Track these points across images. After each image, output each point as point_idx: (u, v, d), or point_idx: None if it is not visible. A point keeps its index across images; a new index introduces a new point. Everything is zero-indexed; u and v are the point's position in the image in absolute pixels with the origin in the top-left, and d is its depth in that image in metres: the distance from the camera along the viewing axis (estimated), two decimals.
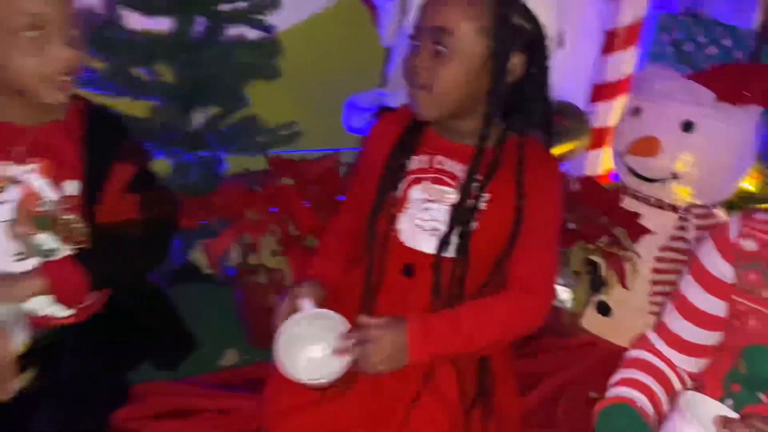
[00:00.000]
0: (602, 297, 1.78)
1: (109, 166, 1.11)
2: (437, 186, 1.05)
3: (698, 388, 0.96)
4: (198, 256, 1.51)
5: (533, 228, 1.03)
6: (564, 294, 1.76)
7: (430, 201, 1.05)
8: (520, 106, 1.03)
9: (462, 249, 1.02)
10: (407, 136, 1.07)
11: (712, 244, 0.91)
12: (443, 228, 1.03)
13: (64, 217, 1.08)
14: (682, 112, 1.64)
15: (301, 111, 1.94)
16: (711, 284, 0.91)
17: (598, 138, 2.16)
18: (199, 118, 1.75)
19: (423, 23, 0.98)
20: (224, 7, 1.69)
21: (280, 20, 1.76)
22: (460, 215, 1.02)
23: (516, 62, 0.99)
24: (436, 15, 0.96)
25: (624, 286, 1.66)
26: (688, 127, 1.64)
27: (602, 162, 2.19)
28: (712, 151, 1.64)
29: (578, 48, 2.62)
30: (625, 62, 2.10)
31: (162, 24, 1.68)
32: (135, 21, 1.70)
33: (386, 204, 1.06)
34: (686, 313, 0.94)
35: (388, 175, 1.06)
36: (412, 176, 1.06)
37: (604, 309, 1.80)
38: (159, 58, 1.66)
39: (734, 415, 0.76)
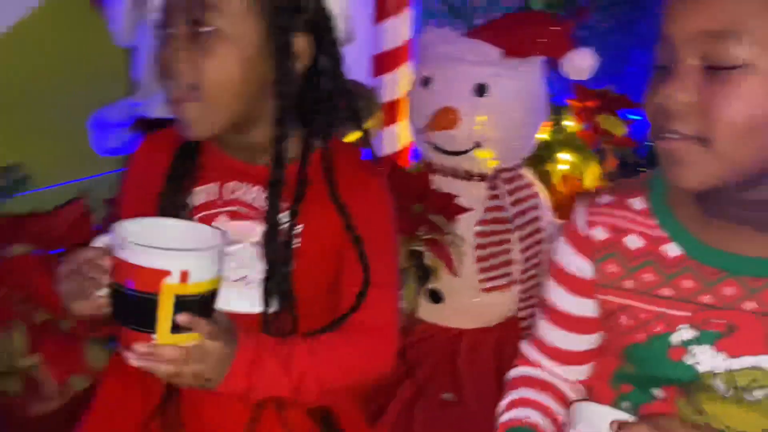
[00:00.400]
0: (432, 285, 1.67)
1: None
2: (236, 222, 0.82)
3: (589, 394, 0.89)
4: None
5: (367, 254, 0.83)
6: None
7: (229, 245, 0.80)
8: (316, 103, 0.83)
9: (285, 297, 0.81)
10: (181, 162, 0.83)
11: (564, 242, 0.82)
12: (254, 275, 0.81)
13: None
14: (472, 75, 1.56)
15: (26, 146, 1.52)
16: (574, 284, 0.82)
17: (390, 113, 2.02)
18: None
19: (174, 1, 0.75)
20: None
21: None
22: (273, 255, 0.80)
23: (301, 45, 0.80)
24: None
25: (453, 273, 1.55)
26: (481, 90, 1.56)
27: (399, 137, 2.06)
28: (509, 110, 1.59)
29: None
30: (401, 26, 1.98)
31: None
32: None
33: None
34: (558, 321, 0.85)
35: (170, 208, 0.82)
36: (200, 214, 0.83)
37: (436, 296, 1.70)
38: None
39: (628, 416, 0.69)
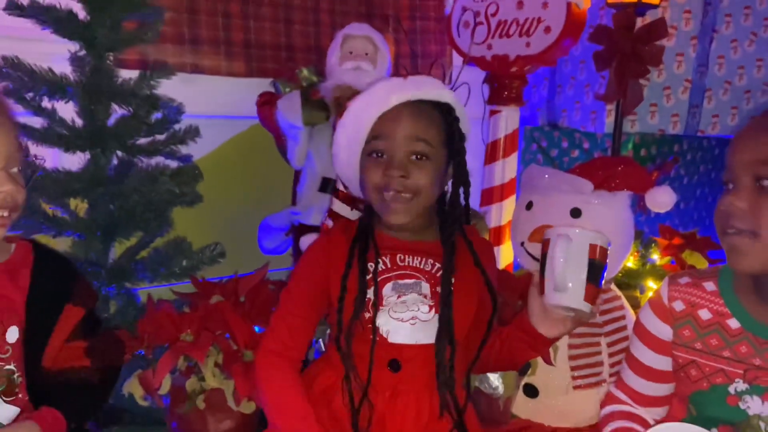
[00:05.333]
0: (528, 380, 1.88)
1: (57, 309, 1.09)
2: (406, 281, 1.14)
3: None
4: (133, 388, 1.44)
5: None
6: (495, 381, 1.83)
7: (404, 295, 1.12)
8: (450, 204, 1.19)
9: (450, 332, 1.10)
10: (362, 245, 1.15)
11: (650, 311, 1.07)
12: (422, 317, 1.11)
13: (6, 367, 1.04)
14: (568, 201, 1.84)
15: (220, 234, 1.98)
16: (655, 344, 1.05)
17: (495, 236, 2.37)
18: (119, 248, 1.74)
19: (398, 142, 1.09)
20: (141, 141, 1.75)
21: (196, 149, 1.85)
22: (445, 301, 1.10)
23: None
24: (414, 128, 1.10)
25: (549, 363, 1.77)
26: (576, 213, 1.86)
27: (502, 257, 2.38)
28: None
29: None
30: (509, 167, 2.37)
31: (79, 160, 1.71)
32: (51, 157, 1.71)
33: (363, 310, 1.11)
34: (639, 371, 1.08)
35: (360, 283, 1.11)
36: (381, 277, 1.13)
37: (531, 391, 1.89)
38: (75, 194, 1.66)
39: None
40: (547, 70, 2.89)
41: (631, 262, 2.23)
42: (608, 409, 1.11)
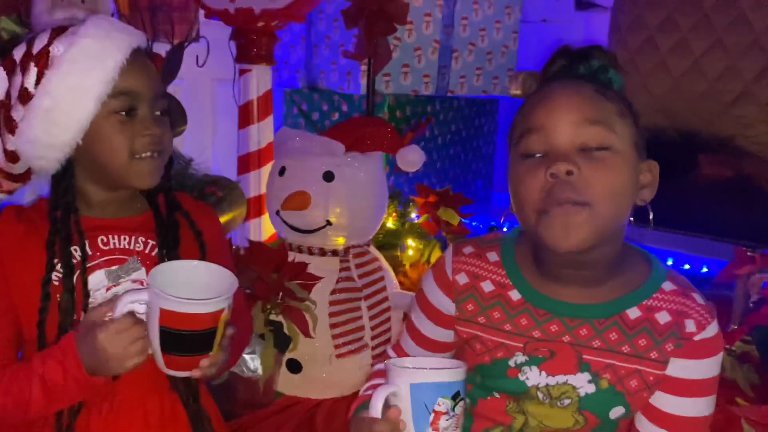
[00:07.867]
0: (290, 355, 1.79)
1: None
2: (115, 267, 0.95)
3: None
4: None
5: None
6: (252, 363, 1.71)
7: (114, 286, 0.94)
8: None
9: None
10: (52, 234, 0.93)
11: (433, 282, 0.99)
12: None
13: None
14: (321, 164, 1.80)
15: None
16: (436, 317, 0.99)
17: (255, 207, 2.22)
18: None
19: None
20: None
21: None
22: None
23: None
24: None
25: (307, 335, 1.69)
26: (329, 176, 1.80)
27: (264, 229, 2.24)
28: (352, 195, 1.82)
29: (219, 127, 2.71)
30: (264, 131, 2.22)
31: None
32: None
33: (61, 312, 0.91)
34: (418, 340, 1.02)
35: (55, 278, 0.92)
36: (83, 267, 0.94)
37: (294, 366, 1.82)
38: None
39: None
40: (303, 30, 2.78)
41: (390, 222, 2.23)
42: (377, 366, 1.05)
